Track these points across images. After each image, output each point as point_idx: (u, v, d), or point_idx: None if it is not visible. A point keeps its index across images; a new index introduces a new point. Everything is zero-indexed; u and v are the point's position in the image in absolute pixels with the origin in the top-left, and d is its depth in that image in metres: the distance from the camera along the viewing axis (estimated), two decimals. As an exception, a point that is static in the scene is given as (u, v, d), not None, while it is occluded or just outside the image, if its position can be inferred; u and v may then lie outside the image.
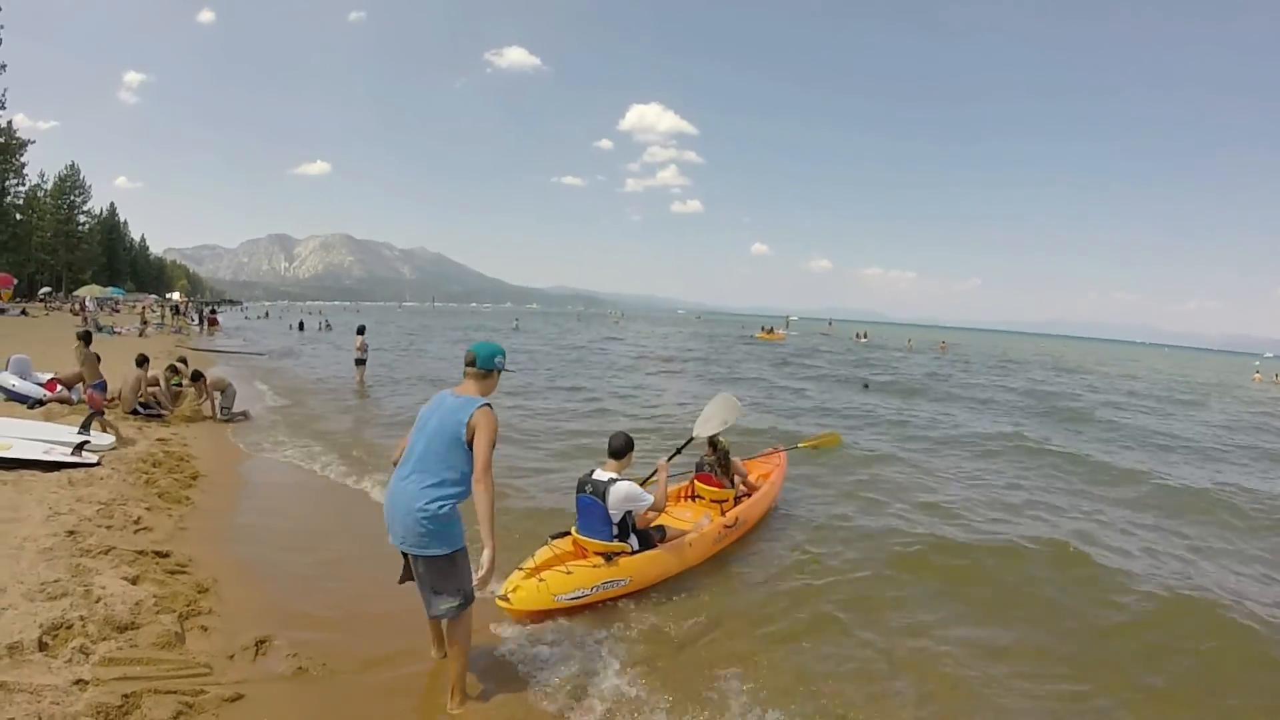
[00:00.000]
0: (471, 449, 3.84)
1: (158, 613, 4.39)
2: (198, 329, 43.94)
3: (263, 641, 4.37)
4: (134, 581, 4.80)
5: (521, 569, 5.45)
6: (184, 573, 5.28)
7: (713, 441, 7.82)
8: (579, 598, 5.38)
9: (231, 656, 4.19)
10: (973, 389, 26.15)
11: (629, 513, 5.82)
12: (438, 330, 59.62)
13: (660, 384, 22.92)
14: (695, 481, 7.84)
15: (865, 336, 74.08)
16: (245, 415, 12.62)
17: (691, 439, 7.71)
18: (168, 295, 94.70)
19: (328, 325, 53.67)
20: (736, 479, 7.87)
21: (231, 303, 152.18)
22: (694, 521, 6.88)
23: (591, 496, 5.79)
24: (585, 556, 5.80)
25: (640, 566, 5.83)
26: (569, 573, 5.44)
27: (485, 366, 4.12)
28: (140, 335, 29.84)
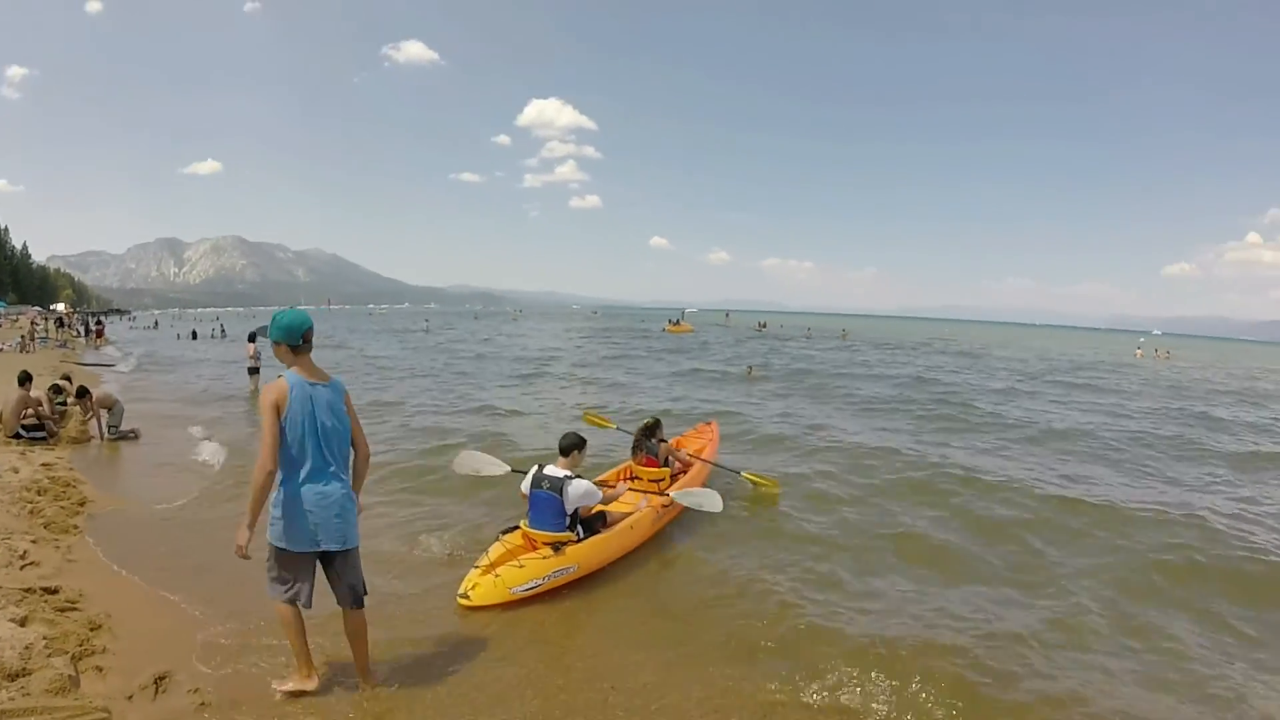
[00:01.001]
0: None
1: (49, 655, 4.20)
2: (84, 341, 41.68)
3: (162, 678, 4.24)
4: (22, 623, 4.58)
5: (477, 567, 5.83)
6: (75, 609, 5.06)
7: (651, 428, 8.41)
8: (532, 588, 5.73)
9: (130, 697, 4.05)
10: (875, 380, 25.94)
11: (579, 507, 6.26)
12: (339, 333, 57.37)
13: (550, 393, 20.88)
14: (634, 464, 8.37)
15: (764, 326, 75.39)
16: (134, 434, 12.06)
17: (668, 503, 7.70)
18: (51, 306, 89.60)
19: (222, 331, 51.80)
20: (671, 459, 8.47)
21: (119, 312, 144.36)
22: (634, 504, 7.24)
23: (549, 492, 6.15)
24: (535, 549, 6.12)
25: (586, 553, 6.21)
26: (521, 566, 5.79)
27: (311, 335, 4.17)
28: (22, 351, 28.17)
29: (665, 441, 8.58)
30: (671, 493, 7.38)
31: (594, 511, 6.50)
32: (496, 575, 5.68)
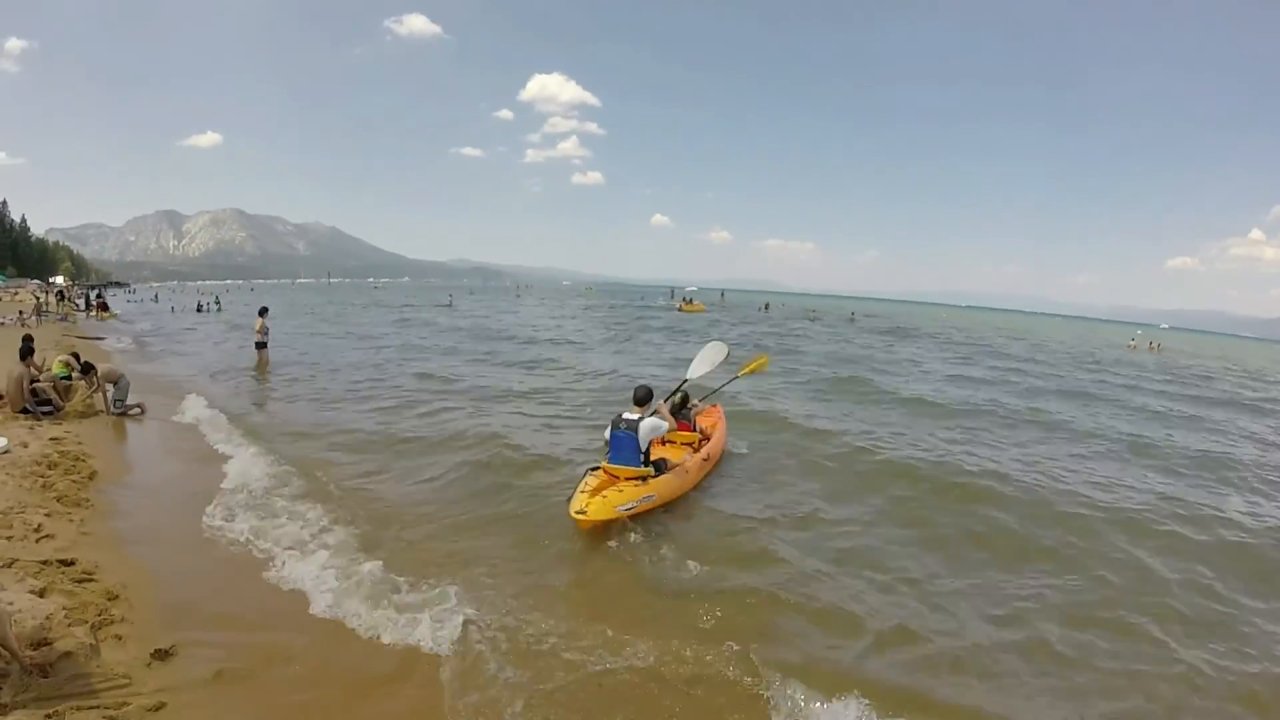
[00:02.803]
0: None
1: (69, 625, 4.37)
2: (84, 315, 41.43)
3: (176, 647, 4.42)
4: (41, 594, 4.75)
5: (584, 492, 7.27)
6: (92, 580, 5.22)
7: (685, 400, 10.06)
8: (630, 509, 7.21)
9: (149, 665, 4.23)
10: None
11: (650, 444, 7.71)
12: (346, 308, 56.80)
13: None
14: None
15: (768, 308, 75.23)
16: (140, 409, 12.14)
17: (685, 381, 10.29)
18: (51, 279, 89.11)
19: (218, 305, 51.70)
20: (699, 424, 10.07)
21: (119, 285, 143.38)
22: (683, 457, 8.80)
23: (627, 432, 7.64)
24: (616, 482, 7.60)
25: (662, 485, 7.74)
26: (620, 491, 7.33)
27: None
28: (22, 326, 27.92)
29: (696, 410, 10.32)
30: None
31: (661, 442, 8.23)
32: (604, 497, 7.13)
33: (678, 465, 8.33)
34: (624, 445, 7.66)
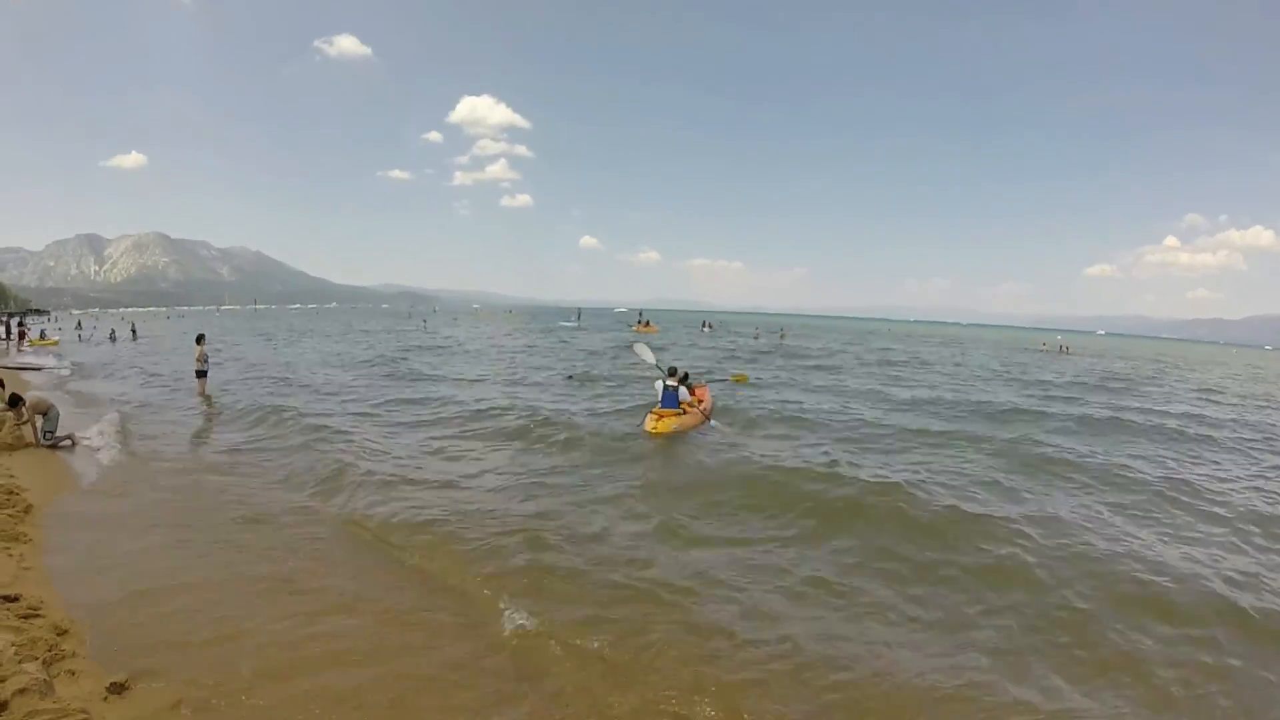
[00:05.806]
0: None
1: (20, 662, 4.26)
2: (5, 344, 39.71)
3: (133, 679, 4.35)
4: (-13, 631, 4.61)
5: (652, 417, 13.39)
6: (38, 616, 5.10)
7: (685, 376, 14.85)
8: (675, 429, 13.00)
9: (106, 699, 4.16)
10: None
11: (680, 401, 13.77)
12: (278, 334, 55.13)
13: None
14: None
15: (708, 326, 74.88)
16: (70, 440, 11.77)
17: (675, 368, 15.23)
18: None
19: (133, 334, 47.68)
20: (697, 391, 15.35)
21: (38, 312, 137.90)
22: (692, 407, 14.10)
23: (672, 392, 13.59)
24: (664, 417, 13.23)
25: (686, 420, 13.50)
26: (669, 421, 13.17)
27: None
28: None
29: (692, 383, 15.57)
30: (712, 420, 14.42)
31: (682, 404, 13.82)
32: (664, 421, 13.10)
33: (691, 411, 13.85)
34: (669, 398, 13.55)
